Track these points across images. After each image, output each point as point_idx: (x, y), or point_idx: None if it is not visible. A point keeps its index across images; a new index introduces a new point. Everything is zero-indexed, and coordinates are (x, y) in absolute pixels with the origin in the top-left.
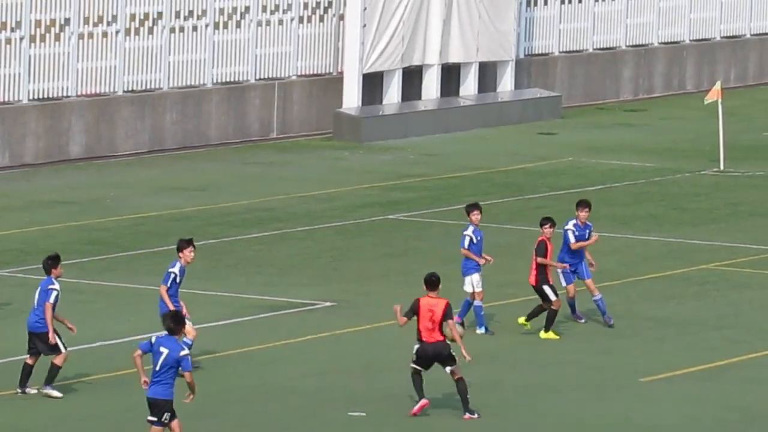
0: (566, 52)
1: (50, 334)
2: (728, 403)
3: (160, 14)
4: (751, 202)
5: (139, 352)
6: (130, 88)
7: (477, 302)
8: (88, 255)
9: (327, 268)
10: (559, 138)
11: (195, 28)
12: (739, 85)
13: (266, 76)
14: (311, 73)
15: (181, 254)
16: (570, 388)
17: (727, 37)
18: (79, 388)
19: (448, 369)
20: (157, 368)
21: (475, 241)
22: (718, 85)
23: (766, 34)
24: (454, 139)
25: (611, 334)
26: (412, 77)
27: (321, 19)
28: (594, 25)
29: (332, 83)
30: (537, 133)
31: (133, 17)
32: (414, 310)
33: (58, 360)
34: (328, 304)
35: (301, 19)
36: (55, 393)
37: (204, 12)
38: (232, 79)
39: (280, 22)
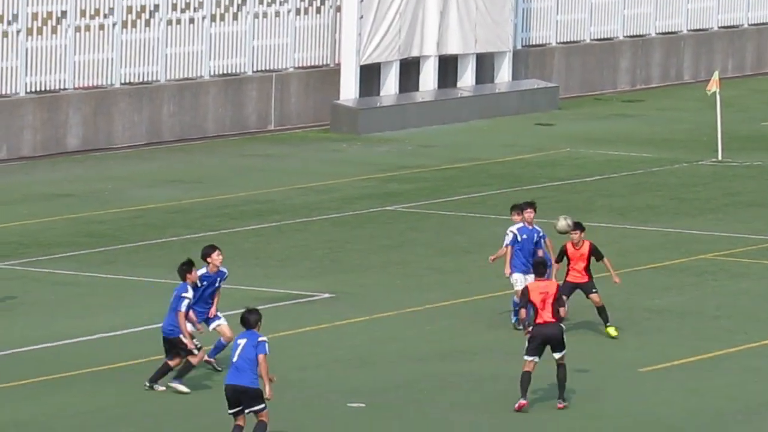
0: (563, 42)
1: (186, 341)
2: (727, 393)
3: (157, 7)
4: (749, 192)
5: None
6: (127, 81)
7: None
8: (86, 248)
9: (325, 259)
10: (557, 129)
11: (192, 21)
12: (736, 75)
13: (263, 68)
14: (308, 65)
15: (209, 259)
16: (568, 379)
17: (724, 27)
18: (78, 381)
19: (556, 355)
20: (235, 359)
21: (520, 239)
22: (716, 76)
23: (763, 23)
24: (451, 130)
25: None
26: (410, 69)
27: (318, 10)
28: (591, 15)
29: (329, 75)
30: (534, 123)
31: (130, 9)
32: (527, 298)
33: (194, 360)
34: (326, 295)
35: (298, 11)
36: (183, 388)
37: (201, 4)
38: (229, 71)
39: (277, 14)
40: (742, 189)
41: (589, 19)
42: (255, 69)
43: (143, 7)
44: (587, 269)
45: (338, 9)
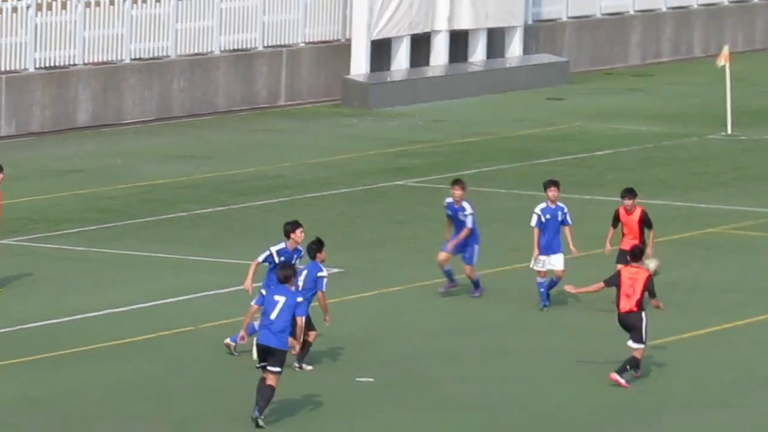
0: (574, 17)
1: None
2: (736, 365)
3: None
4: (759, 166)
5: (253, 305)
6: (137, 56)
7: (553, 278)
8: (95, 223)
9: (335, 234)
10: (567, 103)
11: None
12: (746, 50)
13: (274, 44)
14: (319, 40)
15: (292, 235)
16: (576, 352)
17: (734, 2)
18: (87, 357)
19: (634, 346)
20: (273, 316)
21: (544, 219)
22: (725, 50)
23: None
24: (462, 105)
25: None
26: (420, 44)
27: None
28: None
29: (340, 50)
30: (545, 98)
31: None
32: (615, 280)
33: (310, 337)
34: (336, 270)
35: None
36: (308, 367)
37: None
38: (239, 47)
39: None
40: (752, 163)
41: None
42: (265, 44)
43: None
44: (641, 237)
45: None
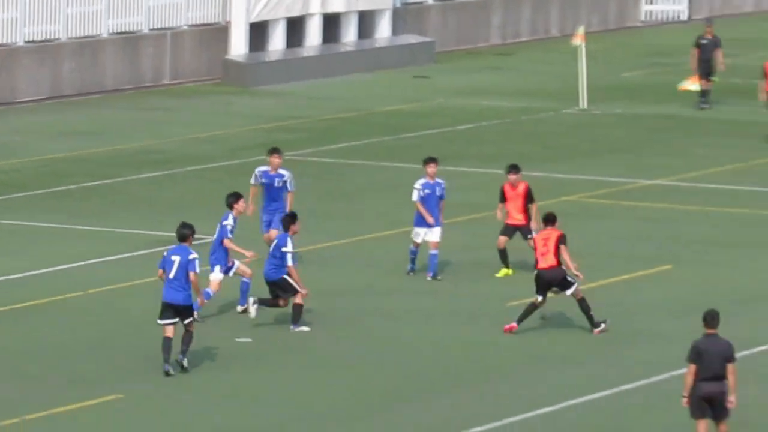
0: (439, 0)
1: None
2: (584, 323)
3: None
4: (611, 139)
5: (159, 268)
6: (30, 39)
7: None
8: None
9: (216, 205)
10: (433, 81)
11: None
12: (600, 30)
13: (158, 26)
14: (201, 22)
15: (234, 207)
16: (444, 314)
17: None
18: None
19: (568, 293)
20: (171, 275)
21: (424, 194)
22: (581, 30)
23: None
24: (335, 83)
25: (479, 265)
26: (296, 26)
27: None
28: None
29: (220, 32)
30: (412, 76)
31: None
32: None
33: (298, 299)
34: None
35: None
36: (305, 329)
37: None
38: (126, 29)
39: None
40: (604, 136)
41: None
42: (151, 27)
43: None
44: (525, 210)
45: None
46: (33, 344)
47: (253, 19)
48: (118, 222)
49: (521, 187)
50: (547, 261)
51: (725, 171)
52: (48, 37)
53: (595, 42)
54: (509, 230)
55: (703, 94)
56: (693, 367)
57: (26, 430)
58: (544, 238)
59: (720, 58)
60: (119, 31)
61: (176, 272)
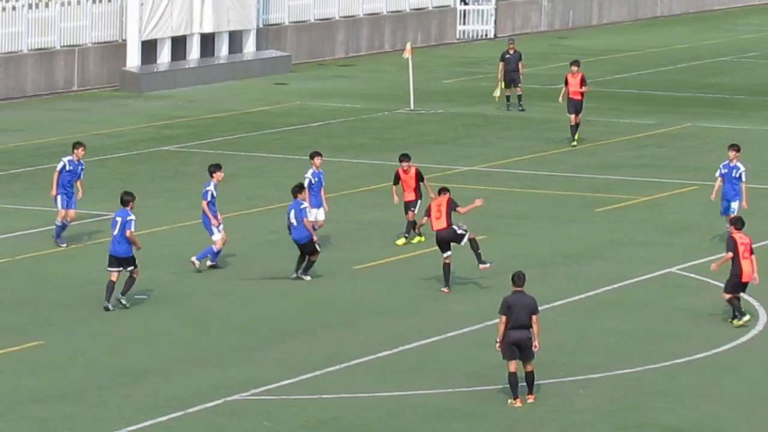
0: (294, 22)
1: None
2: (418, 283)
3: None
4: (435, 133)
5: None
6: None
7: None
8: None
9: (117, 187)
10: (290, 87)
11: (14, 8)
12: (424, 45)
13: (69, 44)
14: (103, 41)
15: (214, 175)
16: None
17: (414, 9)
18: None
19: (462, 243)
20: (116, 232)
21: (314, 182)
22: (409, 45)
23: (444, 6)
24: (211, 89)
25: (331, 234)
26: (179, 43)
27: (109, 0)
28: (315, 2)
29: (119, 48)
30: (273, 83)
31: None
32: (426, 212)
33: (314, 257)
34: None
35: (94, 1)
36: (308, 278)
37: None
38: (43, 47)
39: (78, 2)
40: (429, 131)
41: (313, 4)
42: (62, 44)
43: None
44: (416, 190)
45: None
46: None
47: (145, 37)
48: (37, 202)
49: (412, 171)
50: (441, 224)
51: (527, 159)
52: None
53: (420, 55)
54: (408, 206)
55: (519, 98)
56: (504, 318)
57: None
58: (437, 204)
59: (521, 70)
60: (37, 47)
61: (119, 230)
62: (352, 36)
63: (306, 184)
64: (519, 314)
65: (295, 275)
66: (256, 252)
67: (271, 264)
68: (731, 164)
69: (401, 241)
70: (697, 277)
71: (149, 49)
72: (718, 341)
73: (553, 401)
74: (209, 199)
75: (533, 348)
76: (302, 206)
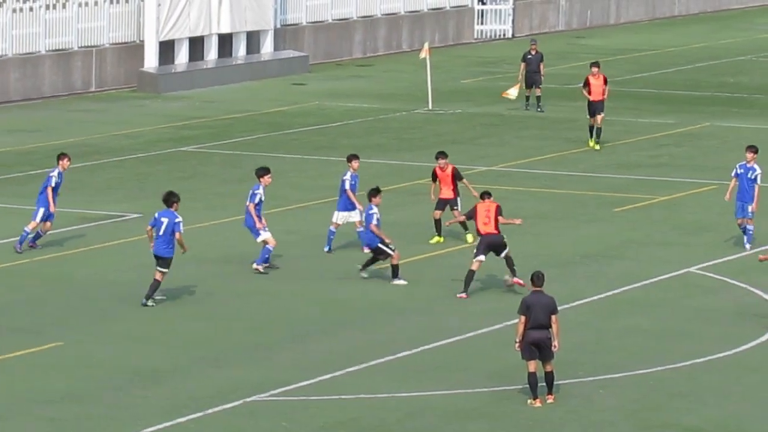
0: (312, 22)
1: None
2: (438, 283)
3: None
4: (452, 133)
5: (149, 227)
6: None
7: (332, 228)
8: None
9: (134, 188)
10: (308, 87)
11: (31, 9)
12: (442, 45)
13: (86, 45)
14: (120, 42)
15: (261, 179)
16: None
17: (432, 9)
18: None
19: (502, 254)
20: (161, 233)
21: (352, 184)
22: (426, 45)
23: (462, 6)
24: (229, 89)
25: (349, 234)
26: (197, 44)
27: (126, 1)
28: (332, 1)
29: (136, 49)
30: (291, 84)
31: None
32: (472, 214)
33: (394, 260)
34: (135, 215)
35: (111, 1)
36: (402, 282)
37: None
38: (60, 48)
39: (96, 3)
40: (447, 130)
41: (331, 4)
42: (80, 45)
43: None
44: (454, 188)
45: None
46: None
47: (162, 38)
48: (59, 202)
49: (449, 169)
50: (489, 228)
51: (546, 159)
52: None
53: (438, 55)
54: (441, 204)
55: (538, 100)
56: (523, 318)
57: None
58: (486, 208)
59: (543, 71)
60: (55, 48)
61: (164, 231)
62: (370, 36)
63: (347, 186)
64: (538, 314)
65: (363, 273)
66: (275, 252)
67: (290, 265)
68: (748, 165)
69: (435, 239)
70: (716, 276)
71: (167, 49)
72: (739, 341)
73: (573, 401)
74: (256, 202)
75: (553, 348)
76: (371, 211)
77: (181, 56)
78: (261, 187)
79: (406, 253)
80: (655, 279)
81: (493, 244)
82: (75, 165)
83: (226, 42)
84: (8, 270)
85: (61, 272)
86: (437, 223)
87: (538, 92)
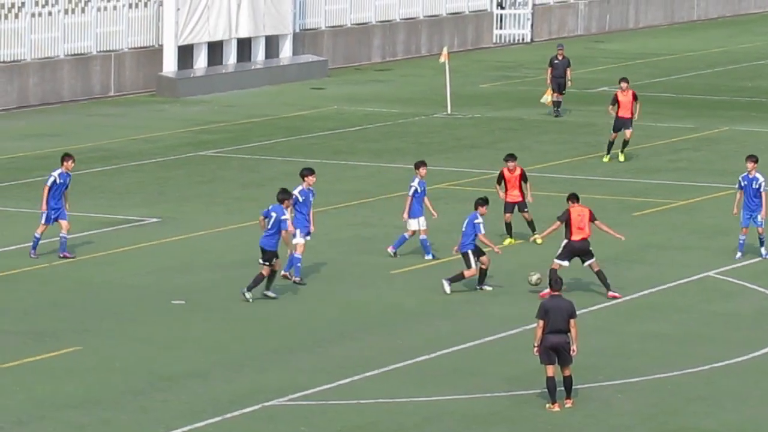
0: (330, 26)
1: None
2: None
3: (23, 3)
4: (471, 137)
5: (261, 217)
6: (1, 60)
7: (422, 236)
8: None
9: (153, 192)
10: (327, 92)
11: (50, 14)
12: (460, 49)
13: (105, 49)
14: (139, 46)
15: (305, 179)
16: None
17: (450, 14)
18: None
19: (587, 262)
20: (269, 226)
21: (419, 190)
22: (445, 50)
23: (481, 10)
24: (247, 94)
25: (368, 239)
26: (215, 48)
27: (145, 4)
28: (351, 5)
29: (155, 53)
30: (310, 88)
31: (3, 6)
32: (565, 217)
33: (467, 274)
34: (154, 219)
35: (130, 5)
36: (489, 288)
37: (56, 1)
38: (79, 52)
39: (115, 7)
40: (466, 135)
41: (350, 8)
42: (98, 50)
43: (13, 4)
44: (521, 190)
45: (161, 3)
46: (5, 306)
47: (181, 42)
48: (76, 207)
49: (518, 171)
50: (583, 234)
51: (565, 163)
52: (16, 59)
53: (456, 59)
54: (510, 206)
55: (557, 105)
56: (541, 322)
57: (2, 376)
58: (580, 214)
59: (569, 76)
60: (73, 53)
61: (272, 225)
62: (389, 40)
63: (411, 193)
64: (556, 318)
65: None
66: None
67: (308, 269)
68: (750, 176)
69: (508, 241)
70: (735, 281)
71: (186, 54)
72: (758, 345)
73: (592, 405)
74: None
75: (571, 352)
76: (476, 221)
77: (200, 61)
78: (300, 187)
79: (423, 259)
80: (674, 283)
81: (580, 251)
82: (94, 169)
83: (245, 46)
84: (27, 274)
85: (81, 276)
86: (508, 226)
87: (559, 98)
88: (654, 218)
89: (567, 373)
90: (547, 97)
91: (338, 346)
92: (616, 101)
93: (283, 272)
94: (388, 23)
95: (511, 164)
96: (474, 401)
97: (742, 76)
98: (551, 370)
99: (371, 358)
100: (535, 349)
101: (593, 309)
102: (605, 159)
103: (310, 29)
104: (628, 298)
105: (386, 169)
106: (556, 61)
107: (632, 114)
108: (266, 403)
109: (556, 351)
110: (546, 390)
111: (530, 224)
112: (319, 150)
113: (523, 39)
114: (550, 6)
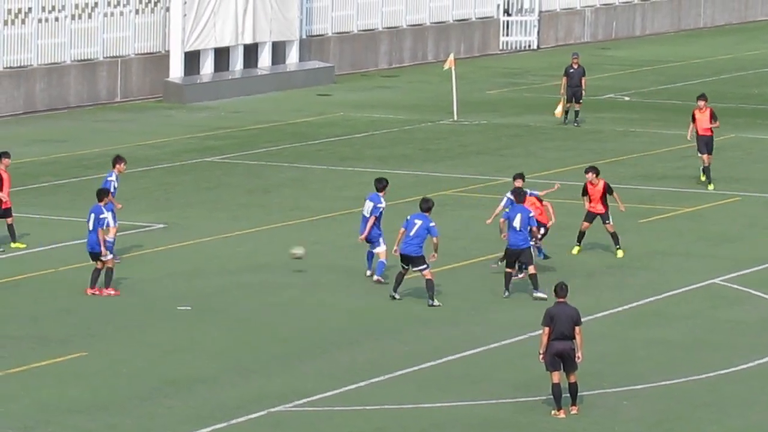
0: (337, 33)
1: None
2: (459, 295)
3: (30, 9)
4: (478, 144)
5: (402, 229)
6: (8, 66)
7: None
8: None
9: (160, 198)
10: (333, 98)
11: (57, 19)
12: (467, 56)
13: (112, 55)
14: (145, 52)
15: (382, 192)
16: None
17: (457, 20)
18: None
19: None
20: (411, 234)
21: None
22: (451, 57)
23: (487, 17)
24: (254, 100)
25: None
26: (222, 53)
27: (152, 10)
28: (358, 11)
29: (161, 59)
30: (316, 94)
31: (9, 11)
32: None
33: (531, 270)
34: (161, 225)
35: (137, 11)
36: (542, 294)
37: (63, 6)
38: (85, 58)
39: (121, 13)
40: (472, 141)
41: (356, 15)
42: (105, 55)
43: (20, 9)
44: (603, 202)
45: (167, 9)
46: (12, 311)
47: (188, 48)
48: (81, 213)
49: (600, 184)
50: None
51: (570, 170)
52: (23, 64)
53: (463, 66)
54: (590, 216)
55: (576, 114)
56: (547, 329)
57: (8, 381)
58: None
59: (584, 85)
60: (80, 59)
61: (416, 232)
62: (396, 47)
63: (378, 214)
64: (562, 325)
65: (506, 294)
66: (301, 263)
67: (314, 275)
68: None
69: (576, 249)
70: (741, 288)
71: (192, 60)
72: (763, 351)
73: (597, 412)
74: (377, 215)
75: (576, 359)
76: (531, 214)
77: (207, 67)
78: (383, 201)
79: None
80: (680, 290)
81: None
82: (100, 175)
83: (251, 52)
84: (34, 280)
85: (86, 281)
86: (581, 234)
87: (577, 107)
88: (660, 225)
89: (572, 379)
90: (559, 108)
91: (345, 352)
92: (693, 120)
93: (375, 276)
94: (395, 30)
95: (589, 175)
96: (480, 407)
97: (749, 84)
98: (557, 376)
99: (378, 365)
100: (541, 356)
101: (598, 316)
102: (710, 186)
103: (317, 35)
104: (633, 304)
105: (392, 176)
106: (571, 70)
107: (712, 132)
108: (272, 409)
109: (561, 357)
110: (551, 396)
111: (613, 236)
112: (326, 156)
113: (529, 46)
114: (556, 13)
